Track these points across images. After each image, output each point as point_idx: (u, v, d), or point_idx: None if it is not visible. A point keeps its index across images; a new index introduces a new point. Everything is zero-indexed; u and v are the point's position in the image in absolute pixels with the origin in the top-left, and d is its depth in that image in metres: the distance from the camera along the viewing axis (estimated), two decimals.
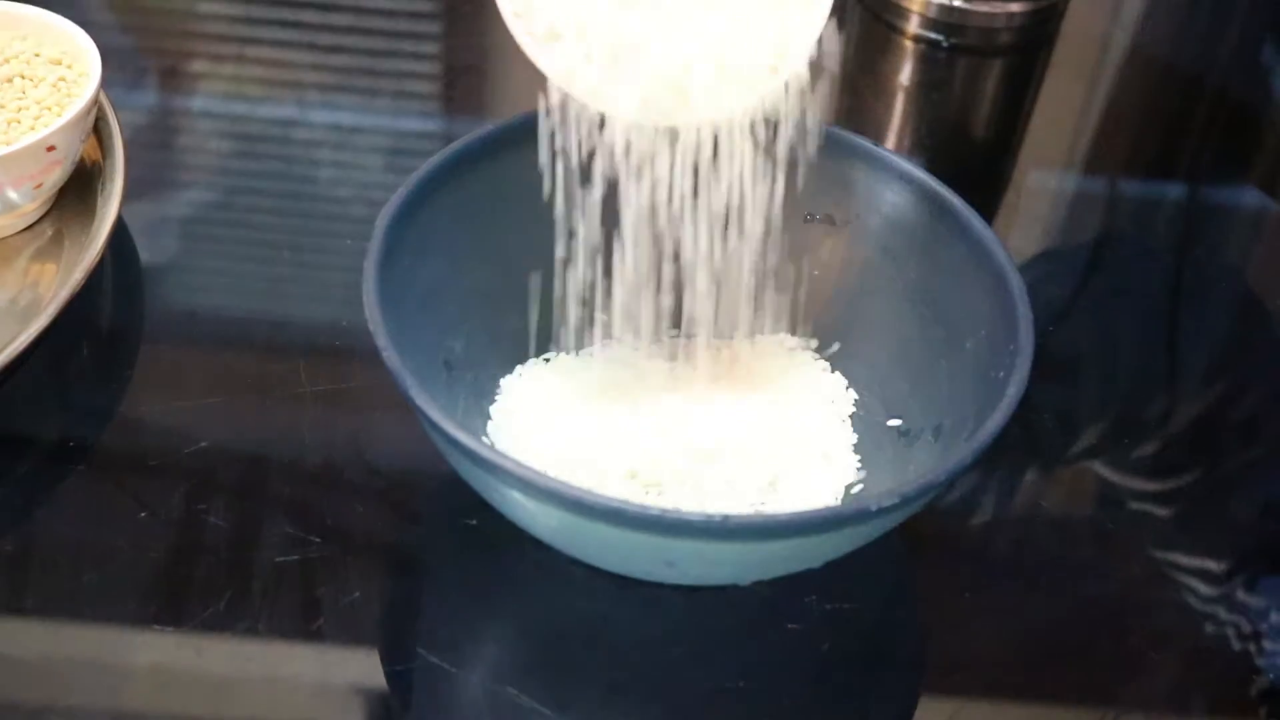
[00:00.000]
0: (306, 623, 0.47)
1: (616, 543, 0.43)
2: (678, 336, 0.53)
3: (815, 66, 0.47)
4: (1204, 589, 0.52)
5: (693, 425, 0.50)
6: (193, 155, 0.70)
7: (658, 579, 0.46)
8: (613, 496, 0.41)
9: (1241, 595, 0.51)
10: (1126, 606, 0.51)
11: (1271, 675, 0.49)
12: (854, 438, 0.52)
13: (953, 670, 0.49)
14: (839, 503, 0.49)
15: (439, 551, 0.51)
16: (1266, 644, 0.50)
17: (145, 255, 0.61)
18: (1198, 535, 0.54)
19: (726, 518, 0.41)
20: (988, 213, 0.52)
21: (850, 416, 0.53)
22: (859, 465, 0.51)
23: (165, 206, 0.65)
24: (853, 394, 0.53)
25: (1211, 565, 0.53)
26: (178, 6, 0.80)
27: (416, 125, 0.74)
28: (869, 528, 0.44)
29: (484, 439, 0.49)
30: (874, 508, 0.42)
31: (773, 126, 0.48)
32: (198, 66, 0.75)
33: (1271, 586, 0.52)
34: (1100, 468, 0.56)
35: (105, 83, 0.58)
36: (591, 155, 0.48)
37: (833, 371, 0.54)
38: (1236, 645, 0.50)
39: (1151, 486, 0.56)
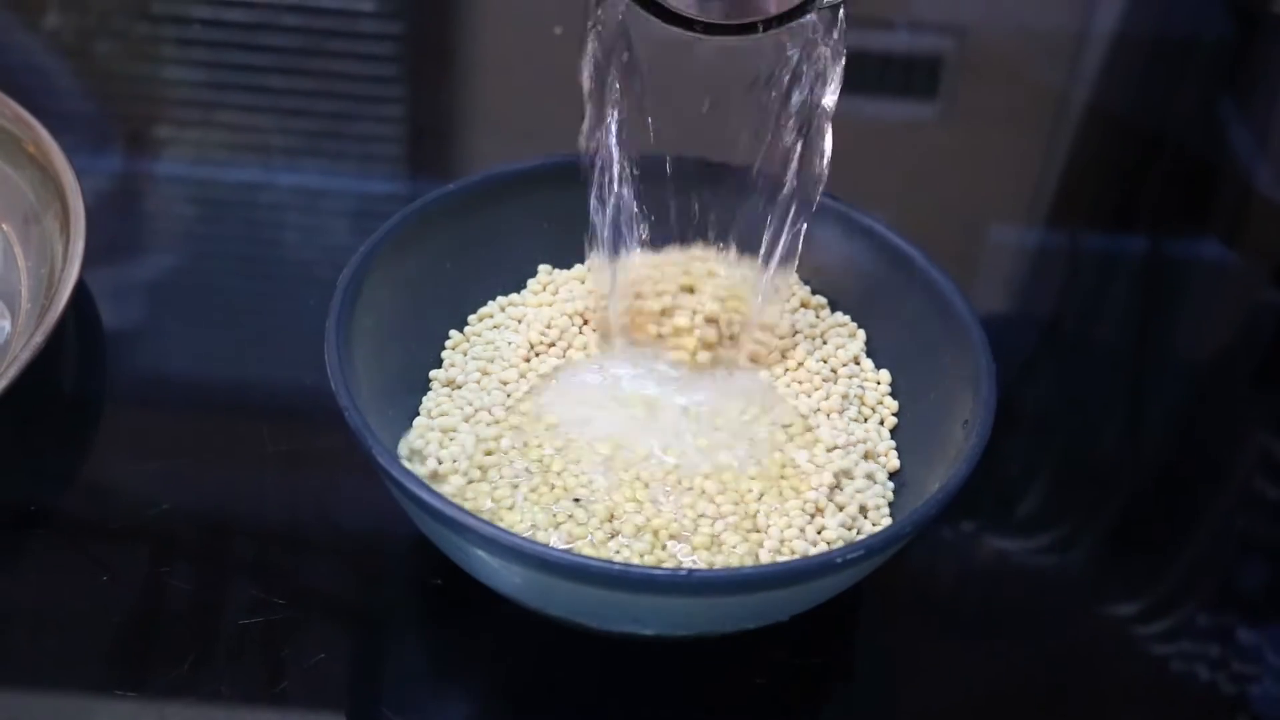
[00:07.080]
0: (271, 685, 0.47)
1: (581, 598, 0.43)
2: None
3: None
4: (1174, 636, 0.52)
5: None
6: (157, 220, 0.70)
7: (627, 631, 0.46)
8: (576, 554, 0.41)
9: (1213, 639, 0.51)
10: (1098, 656, 0.51)
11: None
12: None
13: None
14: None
15: (405, 612, 0.51)
16: (1253, 689, 0.50)
17: (108, 319, 0.61)
18: (1166, 583, 0.54)
19: (690, 572, 0.41)
20: (948, 266, 0.52)
21: None
22: None
23: (128, 270, 0.64)
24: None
25: (1181, 612, 0.53)
26: (142, 72, 0.80)
27: (382, 188, 0.75)
28: (835, 580, 0.44)
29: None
30: (839, 559, 0.42)
31: None
32: (162, 131, 0.75)
33: (1243, 630, 0.52)
34: (1066, 518, 0.56)
35: (69, 147, 0.57)
36: None
37: None
38: (1210, 689, 0.50)
39: (1117, 537, 0.56)
